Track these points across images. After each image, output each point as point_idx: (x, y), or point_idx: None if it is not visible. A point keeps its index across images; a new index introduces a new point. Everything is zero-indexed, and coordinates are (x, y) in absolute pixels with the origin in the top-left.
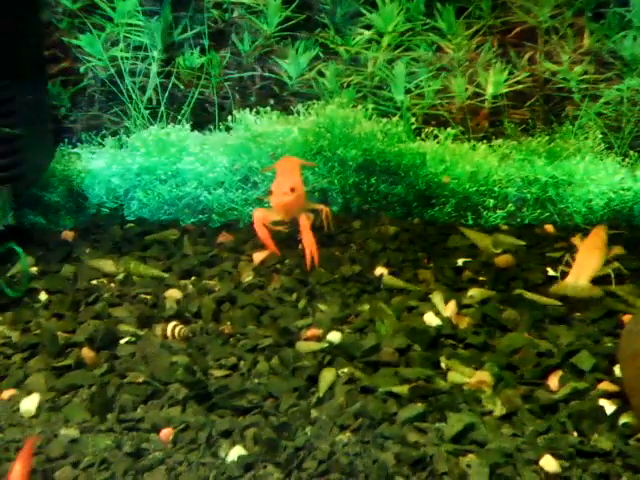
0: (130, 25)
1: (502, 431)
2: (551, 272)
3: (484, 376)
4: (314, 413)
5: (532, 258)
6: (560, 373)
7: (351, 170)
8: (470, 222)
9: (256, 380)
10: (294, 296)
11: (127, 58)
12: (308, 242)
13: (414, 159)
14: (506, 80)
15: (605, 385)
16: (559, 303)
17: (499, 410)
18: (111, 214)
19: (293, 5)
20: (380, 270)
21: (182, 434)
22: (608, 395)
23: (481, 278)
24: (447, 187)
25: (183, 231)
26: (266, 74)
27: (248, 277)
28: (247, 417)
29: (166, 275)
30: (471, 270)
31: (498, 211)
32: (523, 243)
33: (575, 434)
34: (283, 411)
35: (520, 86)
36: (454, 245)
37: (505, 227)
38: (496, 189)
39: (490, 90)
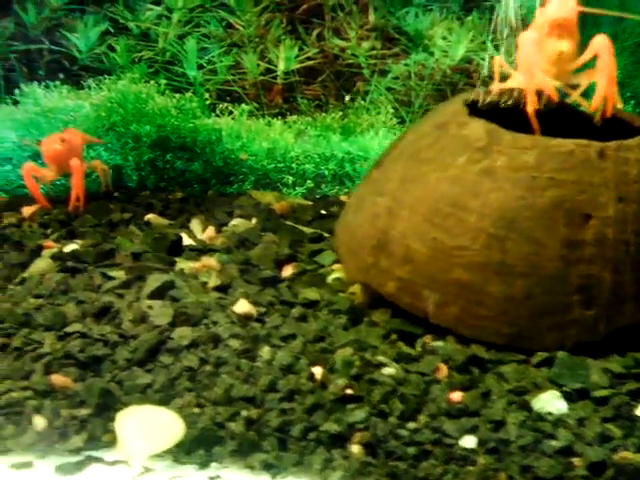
0: None
1: (207, 294)
2: (323, 212)
3: (210, 262)
4: (11, 287)
5: (311, 208)
6: (296, 264)
7: (145, 146)
8: None
9: None
10: (48, 231)
11: None
12: (76, 182)
13: (210, 135)
14: (297, 56)
15: (339, 267)
16: (327, 234)
17: (213, 282)
18: None
19: None
20: (151, 216)
21: None
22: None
23: (254, 217)
24: (245, 164)
25: None
26: (55, 47)
27: (8, 221)
28: None
29: None
30: (241, 212)
31: (297, 188)
32: (310, 203)
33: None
34: None
35: (311, 62)
36: (238, 203)
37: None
38: (294, 166)
39: (281, 66)
